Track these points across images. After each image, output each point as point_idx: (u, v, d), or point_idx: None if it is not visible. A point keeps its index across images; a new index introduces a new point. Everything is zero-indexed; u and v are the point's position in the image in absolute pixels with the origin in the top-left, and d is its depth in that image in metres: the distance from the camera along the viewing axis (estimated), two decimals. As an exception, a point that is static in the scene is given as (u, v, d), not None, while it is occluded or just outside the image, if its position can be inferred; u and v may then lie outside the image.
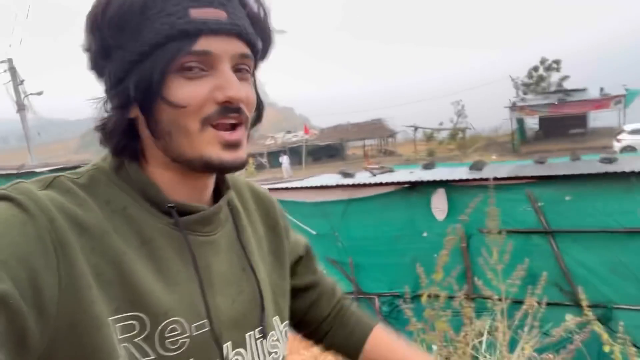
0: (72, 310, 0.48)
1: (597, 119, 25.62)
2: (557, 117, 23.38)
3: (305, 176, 7.81)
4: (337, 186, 5.07)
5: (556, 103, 22.09)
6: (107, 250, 0.52)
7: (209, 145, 0.56)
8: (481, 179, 4.18)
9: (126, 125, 0.58)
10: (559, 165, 5.72)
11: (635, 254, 3.65)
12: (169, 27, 0.53)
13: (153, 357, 0.53)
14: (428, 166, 6.92)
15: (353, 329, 0.85)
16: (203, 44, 0.54)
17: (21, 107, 17.82)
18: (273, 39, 0.64)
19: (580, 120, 24.51)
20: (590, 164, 5.15)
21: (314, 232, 5.65)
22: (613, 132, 20.52)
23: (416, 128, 31.86)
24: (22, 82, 17.91)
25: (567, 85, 29.70)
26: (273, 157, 31.62)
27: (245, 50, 0.58)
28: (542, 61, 31.77)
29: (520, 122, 24.79)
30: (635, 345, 3.02)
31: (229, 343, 0.62)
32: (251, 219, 0.75)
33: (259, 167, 33.11)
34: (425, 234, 4.70)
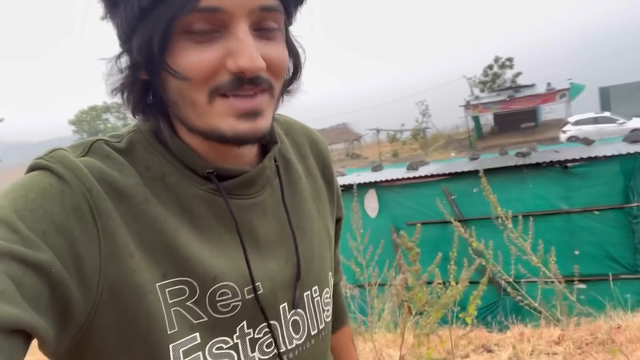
0: (113, 279, 0.47)
1: (551, 111, 27.06)
2: (509, 113, 24.63)
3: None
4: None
5: (507, 99, 23.31)
6: (148, 217, 0.51)
7: (220, 117, 0.50)
8: (402, 179, 4.77)
9: (141, 86, 0.53)
10: (487, 160, 6.38)
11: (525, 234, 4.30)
12: None
13: (206, 319, 0.52)
14: (376, 168, 7.53)
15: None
16: None
17: None
18: None
19: (531, 114, 25.84)
20: (540, 154, 5.58)
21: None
22: (560, 124, 21.86)
23: (379, 130, 32.78)
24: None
25: (521, 80, 31.14)
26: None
27: (268, 2, 0.49)
28: (496, 59, 33.19)
29: (476, 119, 26.01)
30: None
31: (285, 304, 0.60)
32: (309, 169, 0.71)
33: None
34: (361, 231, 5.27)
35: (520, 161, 4.73)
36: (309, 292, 0.64)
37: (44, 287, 0.42)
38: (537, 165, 4.43)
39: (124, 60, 0.52)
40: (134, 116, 0.57)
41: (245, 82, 0.49)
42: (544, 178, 4.46)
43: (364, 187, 5.10)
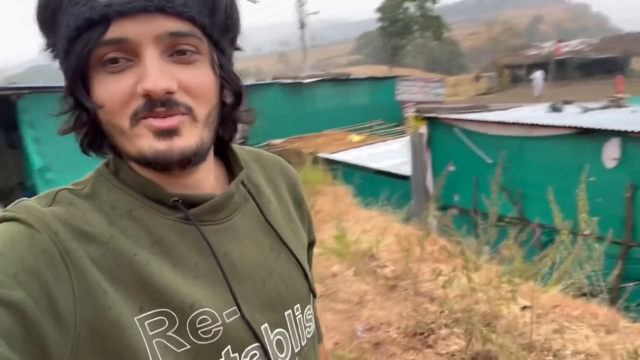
0: (90, 318, 0.47)
1: None
2: None
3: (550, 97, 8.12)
4: (514, 124, 5.58)
5: None
6: (117, 254, 0.51)
7: (142, 138, 0.51)
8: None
9: (89, 122, 0.55)
10: None
11: None
12: (75, 18, 0.47)
13: (189, 347, 0.52)
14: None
15: None
16: (115, 30, 0.47)
17: (302, 26, 20.73)
18: (228, 3, 0.55)
19: None
20: None
21: (490, 161, 6.36)
22: None
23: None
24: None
25: None
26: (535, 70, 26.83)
27: (178, 27, 0.49)
28: None
29: None
30: None
31: (265, 325, 0.60)
32: (279, 193, 0.72)
33: (515, 80, 30.48)
34: (592, 179, 5.00)
35: None
36: (290, 310, 0.64)
37: (17, 325, 0.42)
38: None
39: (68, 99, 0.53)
40: (87, 154, 0.58)
41: (157, 105, 0.49)
42: None
43: (607, 134, 4.74)
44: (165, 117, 0.51)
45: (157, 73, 0.48)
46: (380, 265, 4.36)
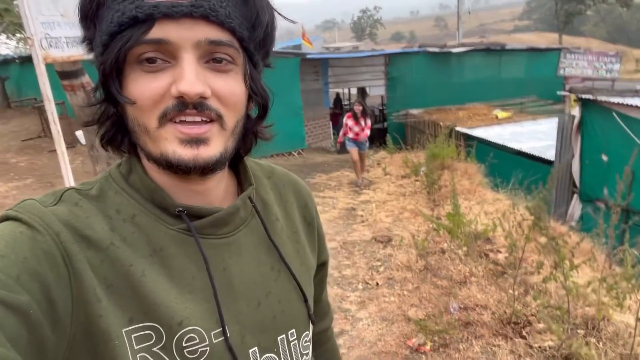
0: (83, 322, 0.48)
1: None
2: None
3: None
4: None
5: None
6: (114, 262, 0.51)
7: (167, 141, 0.51)
8: None
9: (114, 118, 0.55)
10: None
11: None
12: (120, 14, 0.48)
13: None
14: None
15: None
16: (158, 31, 0.48)
17: None
18: (272, 19, 0.56)
19: None
20: None
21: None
22: None
23: None
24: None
25: None
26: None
27: (219, 35, 0.50)
28: None
29: None
30: None
31: (255, 348, 0.58)
32: (287, 212, 0.70)
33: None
34: None
35: None
36: (284, 335, 0.62)
37: (22, 328, 0.43)
38: None
39: (100, 93, 0.54)
40: (104, 148, 0.58)
41: (189, 107, 0.50)
42: None
43: None
44: (195, 124, 0.52)
45: (193, 77, 0.49)
46: (494, 250, 4.24)
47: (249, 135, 0.63)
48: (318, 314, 0.80)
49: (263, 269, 0.62)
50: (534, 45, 17.96)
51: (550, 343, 2.61)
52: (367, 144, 7.71)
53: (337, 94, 17.97)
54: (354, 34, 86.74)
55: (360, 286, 3.92)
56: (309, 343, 0.67)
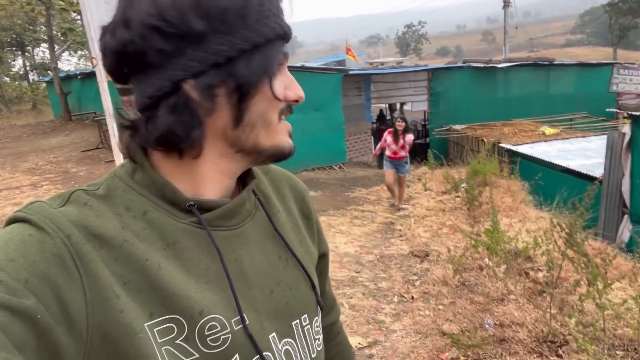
0: (102, 321, 0.48)
1: None
2: None
3: None
4: None
5: None
6: (129, 258, 0.52)
7: (282, 135, 0.61)
8: None
9: (189, 112, 0.54)
10: None
11: None
12: (278, 27, 0.56)
13: (197, 355, 0.53)
14: None
15: (333, 358, 0.87)
16: (284, 47, 0.59)
17: (505, 4, 19.49)
18: None
19: None
20: None
21: None
22: None
23: None
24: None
25: None
26: None
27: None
28: None
29: None
30: None
31: (274, 334, 0.61)
32: (286, 205, 0.74)
33: None
34: None
35: None
36: (298, 320, 0.65)
37: (30, 333, 0.43)
38: None
39: (196, 85, 0.53)
40: (157, 142, 0.55)
41: (291, 109, 0.62)
42: None
43: None
44: None
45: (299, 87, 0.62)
46: (534, 268, 4.18)
47: None
48: (325, 306, 0.81)
49: (272, 258, 0.65)
50: (585, 60, 17.38)
51: (587, 363, 2.57)
52: (408, 166, 7.06)
53: (381, 110, 17.98)
54: (398, 49, 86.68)
55: (395, 299, 3.96)
56: (319, 328, 0.71)
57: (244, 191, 0.64)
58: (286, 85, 0.59)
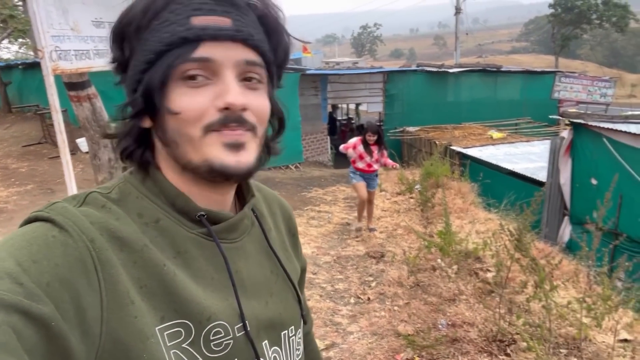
0: (116, 327, 0.49)
1: None
2: None
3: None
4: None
5: None
6: (148, 263, 0.53)
7: (211, 147, 0.55)
8: None
9: (138, 133, 0.59)
10: None
11: None
12: (170, 35, 0.53)
13: (201, 359, 0.55)
14: None
15: None
16: (203, 50, 0.54)
17: (457, 11, 20.28)
18: (289, 45, 0.63)
19: None
20: None
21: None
22: None
23: None
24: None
25: None
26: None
27: (253, 57, 0.57)
28: None
29: None
30: None
31: (266, 341, 0.64)
32: (277, 223, 0.77)
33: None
34: None
35: None
36: (286, 331, 0.69)
37: (42, 338, 0.43)
38: None
39: (130, 110, 0.58)
40: (123, 160, 0.61)
41: (231, 120, 0.55)
42: None
43: None
44: (236, 130, 0.56)
45: (237, 90, 0.55)
46: (483, 269, 4.35)
47: (262, 150, 0.68)
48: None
49: (266, 272, 0.68)
50: (530, 67, 18.30)
51: (534, 361, 2.70)
52: (377, 180, 5.96)
53: (330, 113, 17.89)
54: (353, 50, 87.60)
55: (352, 300, 4.01)
56: (301, 339, 0.74)
57: (245, 207, 0.67)
58: (217, 93, 0.55)
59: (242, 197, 0.70)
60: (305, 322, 0.76)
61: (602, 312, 2.41)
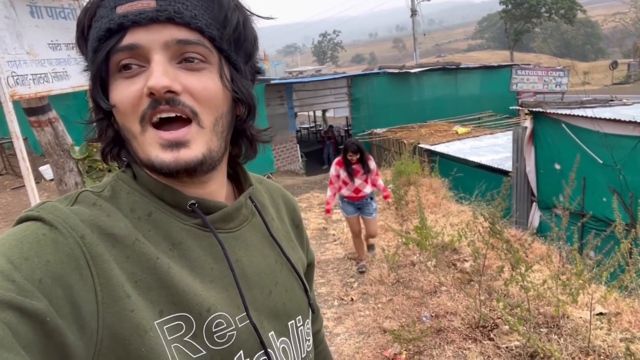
0: (113, 322, 0.48)
1: None
2: None
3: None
4: (630, 122, 5.16)
5: None
6: (140, 257, 0.52)
7: (150, 146, 0.54)
8: None
9: (113, 134, 0.59)
10: None
11: None
12: (98, 29, 0.53)
13: (204, 352, 0.54)
14: None
15: None
16: (128, 38, 0.52)
17: (413, 13, 20.70)
18: (241, 20, 0.58)
19: None
20: None
21: (600, 161, 5.93)
22: None
23: None
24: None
25: None
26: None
27: (186, 35, 0.53)
28: None
29: None
30: None
31: (272, 332, 0.63)
32: (280, 214, 0.76)
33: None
34: None
35: None
36: (293, 321, 0.67)
37: (37, 334, 0.42)
38: None
39: (95, 112, 0.58)
40: (105, 162, 0.61)
41: (161, 103, 0.52)
42: None
43: None
44: (174, 129, 0.54)
45: (159, 73, 0.51)
46: (460, 259, 4.45)
47: (242, 139, 0.66)
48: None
49: (269, 261, 0.67)
50: (487, 63, 18.87)
51: (517, 343, 2.78)
52: (374, 204, 4.66)
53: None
54: (315, 58, 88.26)
55: (335, 302, 4.02)
56: (310, 330, 0.73)
57: (241, 196, 0.66)
58: (146, 80, 0.53)
59: (242, 187, 0.71)
60: (313, 311, 0.75)
61: (576, 288, 2.50)
